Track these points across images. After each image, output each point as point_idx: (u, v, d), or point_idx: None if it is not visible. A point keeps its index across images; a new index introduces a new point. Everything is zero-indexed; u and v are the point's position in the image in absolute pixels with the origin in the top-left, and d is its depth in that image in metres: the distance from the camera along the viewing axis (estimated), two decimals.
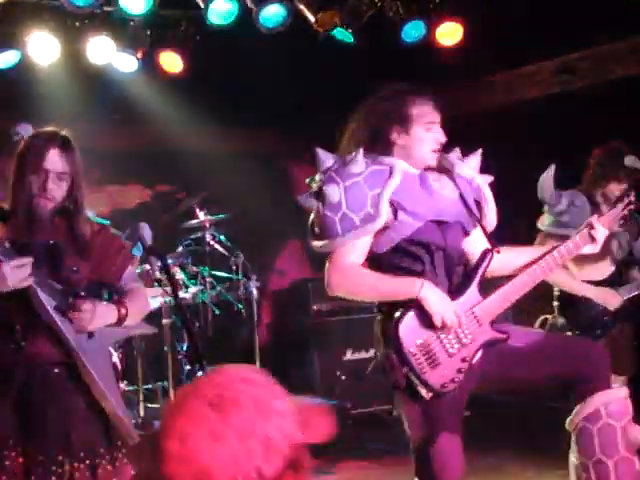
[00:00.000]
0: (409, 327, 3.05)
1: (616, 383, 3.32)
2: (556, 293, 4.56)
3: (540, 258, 3.31)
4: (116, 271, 3.27)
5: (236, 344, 7.44)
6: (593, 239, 3.38)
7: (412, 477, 3.17)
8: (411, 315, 3.05)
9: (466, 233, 3.29)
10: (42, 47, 5.77)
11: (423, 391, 3.03)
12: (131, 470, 3.17)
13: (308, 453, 1.53)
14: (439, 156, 3.27)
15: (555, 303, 4.57)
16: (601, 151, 4.58)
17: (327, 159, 3.20)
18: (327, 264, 3.16)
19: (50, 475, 2.95)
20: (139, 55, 6.15)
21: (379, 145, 3.22)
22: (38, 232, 3.09)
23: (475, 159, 3.39)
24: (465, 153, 3.40)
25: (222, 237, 7.15)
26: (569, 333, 4.42)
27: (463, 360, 3.09)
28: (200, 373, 2.90)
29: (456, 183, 3.28)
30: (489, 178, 3.40)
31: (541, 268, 3.29)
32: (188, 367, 6.44)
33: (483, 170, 3.41)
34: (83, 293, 3.08)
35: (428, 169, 3.25)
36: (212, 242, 7.10)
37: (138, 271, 5.51)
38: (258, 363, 6.71)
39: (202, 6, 5.75)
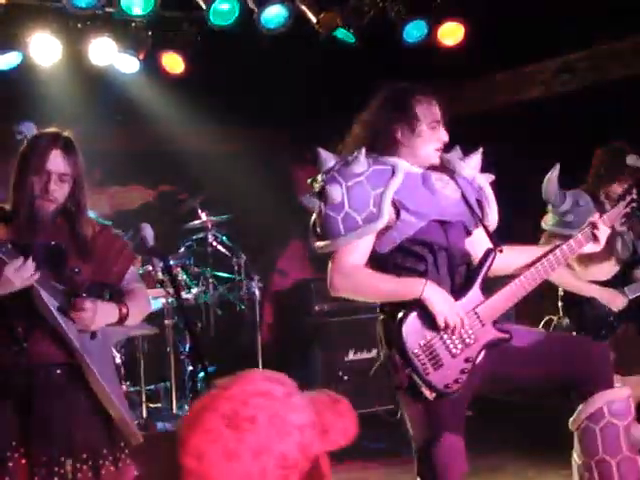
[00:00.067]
0: (412, 328, 3.05)
1: (618, 382, 3.32)
2: (561, 293, 4.55)
3: (542, 257, 3.31)
4: (118, 272, 3.28)
5: (238, 344, 7.44)
6: (596, 238, 3.38)
7: (414, 477, 3.17)
8: (414, 315, 3.05)
9: (468, 233, 3.29)
10: (44, 48, 5.79)
11: (426, 392, 3.02)
12: (134, 471, 3.17)
13: (328, 460, 1.53)
14: (441, 155, 3.27)
15: (560, 303, 4.56)
16: (603, 151, 4.59)
17: (329, 159, 3.20)
18: (330, 264, 3.16)
19: (53, 476, 2.95)
20: (141, 56, 6.16)
21: (383, 145, 3.22)
22: (40, 233, 3.09)
23: (476, 158, 3.39)
24: (466, 153, 3.40)
25: (224, 238, 7.15)
26: (574, 334, 4.41)
27: (466, 360, 3.09)
28: (202, 374, 2.90)
29: (458, 182, 3.28)
30: (490, 177, 3.40)
31: (544, 267, 3.29)
32: (190, 368, 6.45)
33: (484, 169, 3.41)
34: (85, 294, 3.09)
35: (430, 168, 3.26)
36: (214, 243, 7.10)
37: (140, 272, 5.52)
38: (260, 363, 6.71)
39: (204, 7, 5.76)
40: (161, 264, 3.09)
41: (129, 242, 3.43)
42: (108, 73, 6.32)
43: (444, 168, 3.29)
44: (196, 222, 7.05)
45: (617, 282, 4.46)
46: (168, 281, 3.11)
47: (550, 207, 4.50)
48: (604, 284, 4.44)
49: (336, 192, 3.10)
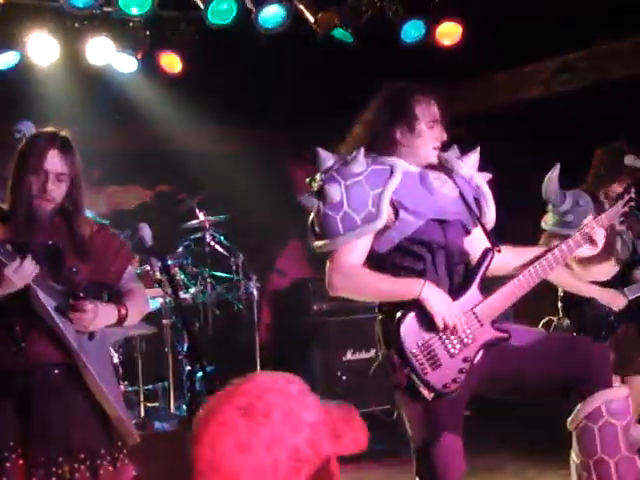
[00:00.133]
0: (410, 327, 3.04)
1: (617, 382, 3.31)
2: (560, 294, 4.54)
3: (539, 258, 3.31)
4: (116, 271, 3.27)
5: (236, 344, 7.43)
6: (591, 241, 3.38)
7: (413, 477, 3.17)
8: (412, 315, 3.05)
9: (467, 232, 3.29)
10: (41, 48, 5.78)
11: (425, 392, 3.02)
12: (132, 471, 3.16)
13: (337, 463, 1.54)
14: (439, 154, 3.27)
15: (559, 304, 4.55)
16: (603, 151, 4.59)
17: (328, 158, 3.20)
18: (328, 264, 3.15)
19: (51, 476, 2.95)
20: (139, 56, 6.15)
21: (382, 145, 3.21)
22: (38, 233, 3.09)
23: (474, 157, 3.39)
24: (465, 153, 3.40)
25: (222, 237, 7.15)
26: (574, 334, 4.40)
27: (464, 360, 3.09)
28: (200, 373, 2.90)
29: (455, 181, 3.28)
30: (488, 176, 3.40)
31: (542, 267, 3.28)
32: (188, 367, 6.43)
33: (483, 169, 3.40)
34: (82, 294, 3.08)
35: (428, 167, 3.26)
36: (212, 242, 7.09)
37: (138, 272, 5.51)
38: (258, 363, 6.71)
39: (201, 7, 5.75)
40: (159, 264, 3.10)
41: (127, 241, 3.43)
42: (106, 73, 6.31)
43: (442, 167, 3.29)
44: (194, 222, 7.05)
45: (617, 282, 4.45)
46: (166, 281, 3.12)
47: (550, 207, 4.48)
48: (604, 284, 4.43)
49: (335, 191, 3.09)
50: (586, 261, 4.28)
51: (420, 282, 3.06)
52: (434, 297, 3.05)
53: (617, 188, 4.40)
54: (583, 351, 3.25)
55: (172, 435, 5.69)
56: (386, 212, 3.09)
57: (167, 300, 6.20)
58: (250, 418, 1.49)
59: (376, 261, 3.14)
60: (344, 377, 6.81)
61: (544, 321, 4.52)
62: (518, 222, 4.93)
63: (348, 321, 6.84)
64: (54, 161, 3.09)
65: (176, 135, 7.50)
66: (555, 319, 4.52)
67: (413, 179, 3.18)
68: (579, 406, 3.22)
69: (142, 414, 6.04)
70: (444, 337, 3.07)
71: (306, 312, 7.14)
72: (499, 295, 3.20)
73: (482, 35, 6.21)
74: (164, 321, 6.36)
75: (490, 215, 3.35)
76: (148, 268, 5.64)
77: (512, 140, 6.40)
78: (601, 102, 6.15)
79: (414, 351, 3.02)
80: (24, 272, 2.91)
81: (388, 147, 3.22)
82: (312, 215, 3.20)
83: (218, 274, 7.12)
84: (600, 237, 3.38)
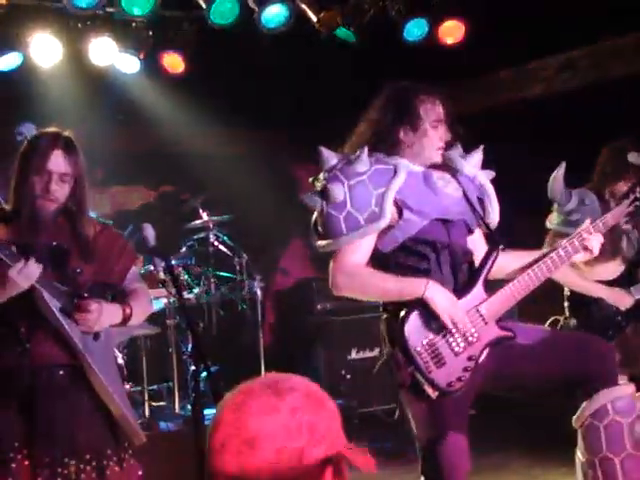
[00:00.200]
0: (415, 326, 3.04)
1: (623, 380, 3.30)
2: (567, 293, 4.51)
3: (543, 257, 3.30)
4: (120, 271, 3.28)
5: (240, 344, 7.43)
6: (586, 248, 3.36)
7: (419, 476, 3.17)
8: (417, 314, 3.05)
9: (470, 231, 3.28)
10: (44, 49, 5.77)
11: (429, 390, 3.02)
12: (139, 470, 3.17)
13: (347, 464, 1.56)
14: (442, 153, 3.27)
15: (566, 304, 4.52)
16: (608, 149, 4.56)
17: (331, 158, 3.19)
18: (332, 264, 3.15)
19: (56, 477, 2.95)
20: (141, 56, 6.15)
21: (386, 144, 3.21)
22: (41, 233, 3.09)
23: (477, 156, 3.39)
24: (468, 151, 3.39)
25: (226, 237, 7.14)
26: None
27: (469, 359, 3.08)
28: (205, 373, 2.90)
29: (459, 181, 3.28)
30: (491, 174, 3.39)
31: (546, 266, 3.28)
32: (193, 367, 6.41)
33: (486, 167, 3.40)
34: (87, 295, 3.08)
35: (431, 167, 3.25)
36: (216, 243, 7.09)
37: (142, 272, 5.51)
38: (263, 363, 6.71)
39: (204, 6, 5.75)
40: (163, 264, 3.09)
41: (130, 241, 3.43)
42: (109, 73, 6.31)
43: (445, 166, 3.29)
44: (197, 222, 7.04)
45: (623, 282, 4.42)
46: (170, 281, 3.10)
47: (555, 206, 4.46)
48: (610, 284, 4.41)
49: (338, 191, 3.09)
50: (592, 260, 4.25)
51: (424, 281, 3.06)
52: (438, 296, 3.05)
53: (623, 187, 4.37)
54: (589, 349, 3.25)
55: (177, 435, 5.69)
56: (389, 212, 3.08)
57: (171, 300, 6.21)
58: (276, 390, 1.53)
59: (380, 261, 3.13)
60: (348, 376, 6.81)
61: (550, 320, 4.50)
62: (519, 221, 4.92)
63: (352, 320, 6.84)
64: (57, 161, 3.09)
65: (179, 135, 7.50)
66: (562, 319, 4.50)
67: (417, 179, 3.18)
68: (584, 404, 3.21)
69: (147, 414, 6.04)
70: (448, 336, 3.07)
71: (310, 311, 7.15)
72: (504, 294, 3.20)
73: (484, 33, 6.20)
74: (168, 321, 6.37)
75: (493, 214, 3.34)
76: (152, 268, 5.63)
77: (514, 138, 6.39)
78: (603, 100, 6.14)
79: (418, 349, 3.02)
80: (28, 273, 2.91)
81: (392, 147, 3.22)
82: (315, 215, 3.20)
83: (222, 274, 7.12)
84: (596, 244, 3.36)
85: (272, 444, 1.48)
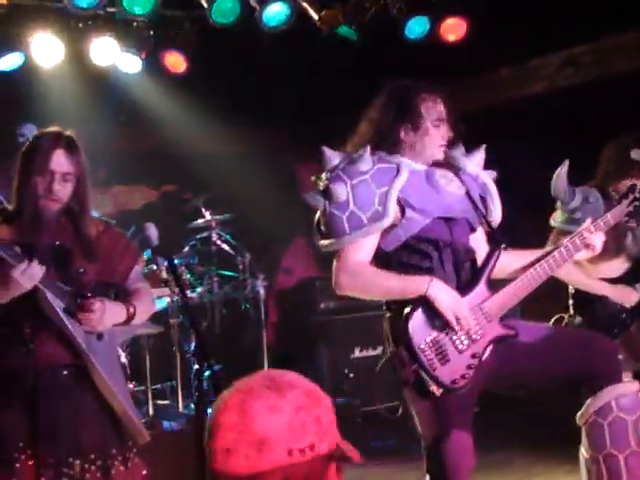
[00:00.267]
0: (419, 324, 3.04)
1: (628, 377, 3.30)
2: (571, 291, 4.49)
3: (545, 256, 3.30)
4: (123, 271, 3.27)
5: (243, 343, 7.43)
6: (588, 246, 3.36)
7: (423, 474, 3.17)
8: (420, 311, 3.05)
9: (472, 229, 3.28)
10: (46, 49, 5.77)
11: (433, 387, 3.02)
12: (143, 470, 3.17)
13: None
14: (445, 152, 3.26)
15: (570, 302, 4.51)
16: (612, 146, 4.54)
17: (334, 157, 3.19)
18: (335, 263, 3.15)
19: (61, 477, 2.95)
20: (143, 55, 6.15)
21: (387, 143, 3.21)
22: (44, 233, 3.09)
23: (479, 155, 3.39)
24: (470, 149, 3.39)
25: (228, 236, 7.14)
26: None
27: (473, 356, 3.08)
28: (208, 372, 2.90)
29: (462, 179, 3.28)
30: (493, 173, 3.39)
31: (548, 264, 3.27)
32: (196, 366, 6.43)
33: (487, 165, 3.40)
34: (90, 294, 3.08)
35: (434, 165, 3.25)
36: (218, 242, 7.09)
37: (145, 271, 5.52)
38: (266, 362, 6.71)
39: (205, 5, 5.75)
40: (165, 263, 3.09)
41: (133, 241, 3.43)
42: (110, 73, 6.31)
43: (448, 165, 3.29)
44: (200, 221, 7.04)
45: (628, 279, 4.40)
46: (173, 280, 3.10)
47: (559, 204, 4.44)
48: (615, 281, 4.39)
49: (341, 190, 3.09)
50: (596, 258, 4.24)
51: (428, 279, 3.05)
52: (442, 294, 3.04)
53: (626, 184, 4.35)
54: (593, 346, 3.25)
55: (181, 434, 5.69)
56: (393, 211, 3.08)
57: (174, 299, 6.21)
58: (276, 388, 1.51)
59: (383, 259, 3.13)
60: (351, 375, 6.81)
61: (555, 318, 4.48)
62: (521, 218, 4.91)
63: (355, 319, 6.84)
64: (60, 161, 3.08)
65: (181, 134, 7.49)
66: (566, 316, 4.49)
67: (419, 177, 3.18)
68: (589, 401, 3.21)
69: (150, 413, 6.04)
70: (452, 333, 3.07)
71: (313, 310, 7.15)
72: (507, 291, 3.19)
73: (486, 30, 6.20)
74: (171, 320, 6.37)
75: (496, 213, 3.34)
76: (154, 268, 5.65)
77: (516, 136, 6.38)
78: (605, 96, 6.13)
79: (422, 347, 3.02)
80: (32, 274, 2.91)
81: (393, 146, 3.21)
82: (318, 214, 3.20)
83: (225, 273, 7.12)
84: (598, 242, 3.36)
85: (280, 445, 1.47)
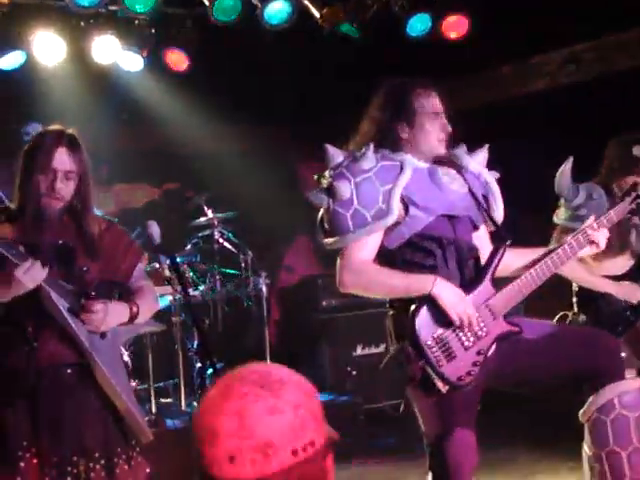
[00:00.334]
0: (425, 320, 3.04)
1: (631, 374, 3.30)
2: (575, 289, 4.48)
3: (549, 253, 3.30)
4: (126, 269, 3.27)
5: (246, 341, 7.43)
6: (592, 242, 3.35)
7: (425, 471, 3.17)
8: (426, 308, 3.04)
9: (475, 227, 3.28)
10: (47, 47, 5.77)
11: (439, 384, 3.01)
12: (146, 468, 3.17)
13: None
14: (447, 151, 3.26)
15: (574, 299, 4.50)
16: (616, 143, 4.53)
17: (337, 155, 3.18)
18: (338, 261, 3.15)
19: (65, 476, 2.95)
20: (144, 54, 6.15)
21: (388, 142, 3.21)
22: (46, 232, 3.08)
23: (482, 154, 3.39)
24: (471, 146, 3.39)
25: (230, 234, 7.14)
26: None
27: (478, 353, 3.08)
28: (211, 370, 2.90)
29: (465, 177, 3.27)
30: (496, 174, 3.39)
31: (552, 261, 3.27)
32: (199, 364, 6.44)
33: (490, 162, 3.39)
34: (94, 293, 3.08)
35: (437, 163, 3.24)
36: (221, 240, 7.09)
37: (148, 270, 5.52)
38: (268, 360, 6.71)
39: (207, 4, 5.75)
40: (168, 261, 3.08)
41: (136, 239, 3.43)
42: (112, 71, 6.31)
43: (451, 163, 3.28)
44: (202, 219, 7.04)
45: (634, 275, 4.39)
46: (175, 278, 3.10)
47: (562, 201, 4.43)
48: (619, 278, 4.38)
49: (345, 188, 3.08)
50: (600, 255, 4.23)
51: (432, 278, 3.05)
52: (446, 292, 3.04)
53: (630, 181, 4.35)
54: (597, 344, 3.24)
55: (183, 432, 5.69)
56: (397, 208, 3.08)
57: (176, 298, 6.21)
58: (268, 387, 1.50)
59: (386, 257, 3.13)
60: (354, 372, 6.81)
61: (559, 316, 4.48)
62: (524, 219, 4.90)
63: (357, 316, 6.84)
64: (62, 159, 3.08)
65: (183, 132, 7.49)
66: (570, 314, 4.48)
67: (422, 175, 3.18)
68: (591, 398, 3.21)
69: (153, 411, 6.05)
70: (458, 330, 3.06)
71: (315, 308, 7.15)
72: (512, 288, 3.19)
73: (488, 28, 6.19)
74: (174, 319, 6.37)
75: (498, 212, 3.35)
76: (157, 266, 5.65)
77: (518, 133, 6.38)
78: (607, 93, 6.12)
79: (429, 343, 3.02)
80: (35, 273, 2.90)
81: (394, 144, 3.21)
82: (321, 212, 3.20)
83: (227, 271, 7.12)
84: (602, 239, 3.36)
85: (285, 447, 1.47)
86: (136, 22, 6.00)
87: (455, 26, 6.37)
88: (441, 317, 3.05)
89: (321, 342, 7.05)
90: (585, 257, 4.01)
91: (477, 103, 7.12)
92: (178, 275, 3.15)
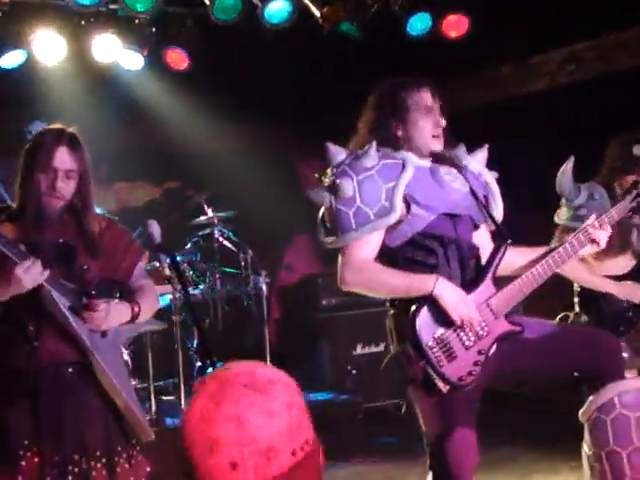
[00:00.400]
0: (425, 320, 3.03)
1: (632, 374, 3.30)
2: (577, 289, 4.47)
3: (550, 252, 3.30)
4: (126, 267, 3.27)
5: (246, 340, 7.44)
6: (593, 241, 3.35)
7: (425, 471, 3.16)
8: (427, 309, 3.04)
9: (475, 226, 3.28)
10: (48, 46, 5.77)
11: (440, 384, 3.01)
12: (147, 467, 3.17)
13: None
14: (444, 146, 3.26)
15: (576, 299, 4.49)
16: (617, 142, 4.53)
17: (339, 153, 3.18)
18: (340, 259, 3.14)
19: (66, 475, 2.94)
20: (145, 52, 6.15)
21: (386, 141, 3.21)
22: (47, 230, 3.08)
23: (482, 154, 3.39)
24: (471, 146, 3.39)
25: (230, 233, 7.15)
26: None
27: (479, 353, 3.08)
28: (210, 369, 2.89)
29: (466, 177, 3.27)
30: (494, 174, 3.40)
31: (554, 260, 3.27)
32: (199, 363, 6.44)
33: (490, 162, 3.40)
34: (94, 292, 3.07)
35: (438, 162, 3.24)
36: (221, 238, 7.10)
37: (148, 268, 5.52)
38: (268, 358, 6.71)
39: (207, 3, 5.75)
40: (168, 260, 3.08)
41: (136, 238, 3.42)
42: (113, 70, 6.31)
43: (452, 163, 3.28)
44: (202, 218, 7.05)
45: (636, 275, 4.38)
46: (175, 277, 3.10)
47: (564, 201, 4.43)
48: (621, 278, 4.37)
49: (348, 186, 3.08)
50: (602, 255, 4.22)
51: (433, 278, 3.04)
52: (448, 292, 3.03)
53: (631, 180, 4.34)
54: (598, 345, 3.24)
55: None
56: (400, 206, 3.07)
57: (176, 297, 6.21)
58: (260, 389, 1.50)
59: (388, 256, 3.13)
60: (354, 371, 6.81)
61: (560, 317, 4.47)
62: (524, 218, 4.90)
63: (357, 315, 6.84)
64: (63, 158, 3.07)
65: (183, 131, 7.49)
66: (571, 314, 4.47)
67: (424, 173, 3.18)
68: (591, 398, 3.21)
69: (153, 410, 6.05)
70: (459, 330, 3.06)
71: (315, 307, 7.15)
72: (513, 288, 3.19)
73: (488, 27, 6.19)
74: (174, 317, 6.37)
75: (498, 212, 3.35)
76: (157, 265, 5.65)
77: (518, 133, 6.38)
78: (607, 92, 6.12)
79: (430, 344, 3.01)
80: (35, 272, 2.90)
81: (392, 142, 3.21)
82: (322, 210, 3.19)
83: (227, 270, 7.13)
84: (603, 237, 3.36)
85: (285, 449, 1.47)
86: (136, 21, 6.01)
87: (455, 25, 6.37)
88: (442, 317, 3.04)
89: (321, 341, 7.05)
90: (586, 257, 4.01)
91: (477, 103, 7.13)
92: (178, 274, 3.14)
